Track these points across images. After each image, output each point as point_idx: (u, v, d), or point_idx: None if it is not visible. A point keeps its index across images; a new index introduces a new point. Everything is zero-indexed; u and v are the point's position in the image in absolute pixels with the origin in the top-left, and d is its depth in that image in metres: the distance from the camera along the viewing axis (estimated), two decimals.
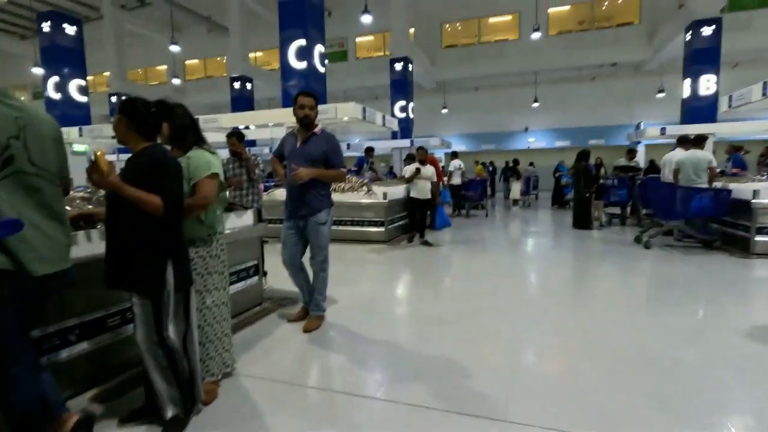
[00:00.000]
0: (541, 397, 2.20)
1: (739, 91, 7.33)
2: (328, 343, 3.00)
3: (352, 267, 5.40)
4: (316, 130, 3.15)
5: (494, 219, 10.14)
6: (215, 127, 8.83)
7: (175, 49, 15.90)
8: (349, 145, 17.84)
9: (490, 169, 16.15)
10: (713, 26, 12.38)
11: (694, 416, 2.03)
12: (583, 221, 7.94)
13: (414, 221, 6.81)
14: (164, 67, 23.50)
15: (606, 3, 17.27)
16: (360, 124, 9.29)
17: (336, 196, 6.52)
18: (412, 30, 16.86)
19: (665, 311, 3.49)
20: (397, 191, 7.17)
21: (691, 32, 12.75)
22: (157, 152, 1.87)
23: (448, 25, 19.27)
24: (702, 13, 12.37)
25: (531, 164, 15.13)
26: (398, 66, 15.42)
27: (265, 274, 4.05)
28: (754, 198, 5.20)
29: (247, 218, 3.57)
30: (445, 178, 9.95)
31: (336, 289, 3.86)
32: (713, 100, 12.48)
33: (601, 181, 8.62)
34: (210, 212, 2.22)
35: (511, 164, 13.60)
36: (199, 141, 2.24)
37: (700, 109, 12.57)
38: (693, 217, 5.89)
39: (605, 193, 8.57)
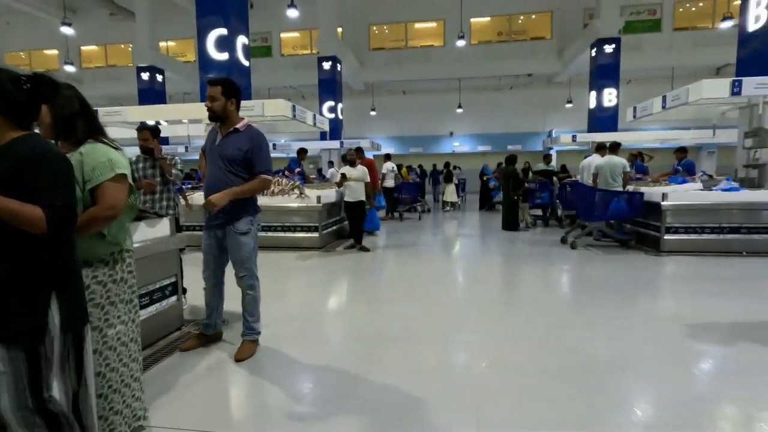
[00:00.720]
0: (510, 415, 2.03)
1: (642, 103, 8.07)
2: (263, 373, 2.57)
3: (284, 278, 4.94)
4: (239, 125, 2.69)
5: (427, 222, 10.18)
6: (119, 121, 7.75)
7: (67, 31, 13.93)
8: (275, 146, 16.96)
9: (418, 172, 16.32)
10: (613, 45, 13.73)
11: (603, 401, 2.17)
12: (511, 223, 8.23)
13: (353, 226, 6.50)
14: (54, 51, 20.58)
15: (521, 17, 18.42)
16: (288, 124, 8.74)
17: (265, 200, 6.01)
18: (340, 29, 16.52)
19: (601, 307, 3.59)
20: (331, 194, 6.81)
21: (595, 49, 14.02)
22: (36, 144, 1.35)
23: (375, 28, 19.23)
24: (604, 32, 13.65)
25: (455, 167, 15.53)
26: (326, 65, 14.97)
27: (184, 291, 3.48)
28: (663, 200, 5.69)
29: (163, 228, 3.00)
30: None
31: (268, 304, 3.36)
32: (615, 111, 13.84)
33: (526, 185, 9.02)
34: (115, 224, 1.72)
35: (440, 168, 13.84)
36: (95, 132, 1.72)
37: (604, 119, 13.87)
38: (612, 219, 6.31)
39: (530, 196, 8.99)
